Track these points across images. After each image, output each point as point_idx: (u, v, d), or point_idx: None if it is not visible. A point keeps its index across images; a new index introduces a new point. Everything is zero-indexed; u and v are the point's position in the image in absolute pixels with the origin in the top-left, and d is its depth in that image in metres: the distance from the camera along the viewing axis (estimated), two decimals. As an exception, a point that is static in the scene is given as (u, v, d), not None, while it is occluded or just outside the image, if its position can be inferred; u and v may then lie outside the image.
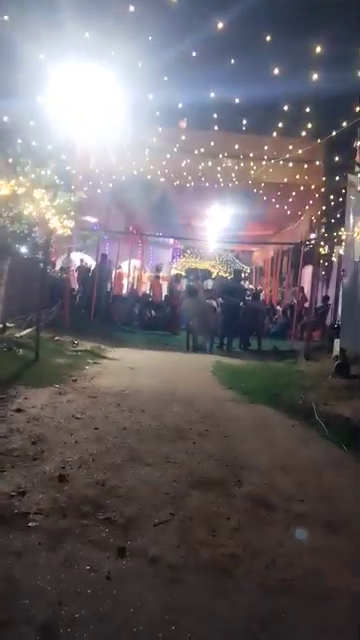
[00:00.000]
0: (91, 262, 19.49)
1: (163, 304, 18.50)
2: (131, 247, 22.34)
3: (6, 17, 7.43)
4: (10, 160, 9.35)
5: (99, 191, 14.89)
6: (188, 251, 35.35)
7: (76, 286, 18.53)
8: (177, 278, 19.89)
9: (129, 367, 9.87)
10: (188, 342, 13.68)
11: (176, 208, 18.23)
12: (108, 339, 12.96)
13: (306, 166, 13.96)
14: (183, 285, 20.23)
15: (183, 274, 33.55)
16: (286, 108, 10.79)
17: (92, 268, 18.45)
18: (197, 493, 4.23)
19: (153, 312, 17.88)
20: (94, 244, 12.88)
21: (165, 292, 19.61)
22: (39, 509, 3.68)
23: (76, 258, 19.76)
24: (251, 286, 29.55)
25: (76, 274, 19.12)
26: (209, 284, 20.60)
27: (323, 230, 15.53)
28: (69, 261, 15.77)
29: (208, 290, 16.15)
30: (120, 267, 21.65)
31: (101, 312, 16.32)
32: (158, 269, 22.81)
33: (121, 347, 12.39)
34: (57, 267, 18.36)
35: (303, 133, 12.19)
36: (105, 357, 10.83)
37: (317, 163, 14.06)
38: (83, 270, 18.93)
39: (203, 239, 23.74)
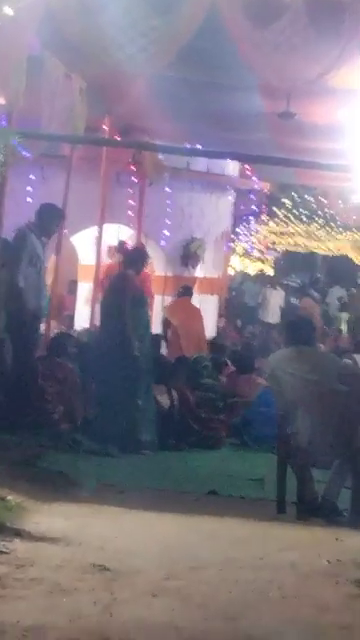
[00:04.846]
0: None
1: (203, 363, 11.11)
2: (105, 185, 13.04)
3: None
4: None
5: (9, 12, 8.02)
6: (285, 201, 19.78)
7: None
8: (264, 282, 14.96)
9: (95, 565, 5.67)
10: (282, 487, 7.57)
11: (248, 62, 9.58)
12: (34, 473, 7.62)
13: None
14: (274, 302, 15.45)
15: (269, 272, 22.06)
16: None
17: None
18: None
19: (175, 394, 10.16)
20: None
21: (214, 328, 13.56)
22: None
23: None
24: None
25: None
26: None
27: None
28: None
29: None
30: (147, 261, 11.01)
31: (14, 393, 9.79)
32: (190, 256, 14.39)
33: (74, 501, 7.17)
34: None
35: None
36: (20, 532, 6.34)
37: None
38: None
39: (334, 168, 11.90)
